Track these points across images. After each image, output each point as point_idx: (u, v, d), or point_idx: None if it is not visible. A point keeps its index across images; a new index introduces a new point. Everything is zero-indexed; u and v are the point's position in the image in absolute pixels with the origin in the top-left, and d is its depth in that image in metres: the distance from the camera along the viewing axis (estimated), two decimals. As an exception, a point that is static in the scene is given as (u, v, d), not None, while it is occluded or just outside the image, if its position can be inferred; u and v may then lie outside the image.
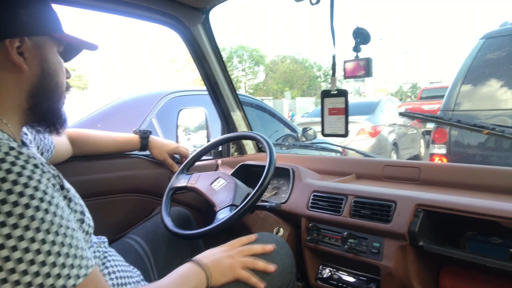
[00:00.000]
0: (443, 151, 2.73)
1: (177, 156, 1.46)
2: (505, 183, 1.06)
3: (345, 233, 1.06)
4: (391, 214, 0.98)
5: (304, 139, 2.59)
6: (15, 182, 0.51)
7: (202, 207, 1.52)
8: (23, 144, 0.80)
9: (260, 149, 1.82)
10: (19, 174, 0.52)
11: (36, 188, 0.53)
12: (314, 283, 1.17)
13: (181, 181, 1.25)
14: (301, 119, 9.79)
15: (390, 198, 1.01)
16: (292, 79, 31.90)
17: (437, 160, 2.75)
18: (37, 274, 0.50)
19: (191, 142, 1.68)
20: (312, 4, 1.07)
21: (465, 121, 1.21)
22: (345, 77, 1.05)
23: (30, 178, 0.53)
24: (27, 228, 0.50)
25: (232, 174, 1.40)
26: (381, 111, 6.10)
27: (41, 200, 0.53)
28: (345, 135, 1.07)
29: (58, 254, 0.52)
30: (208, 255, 0.86)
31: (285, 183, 1.39)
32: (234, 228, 1.01)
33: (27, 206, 0.51)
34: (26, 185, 0.51)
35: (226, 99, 1.67)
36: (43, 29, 0.69)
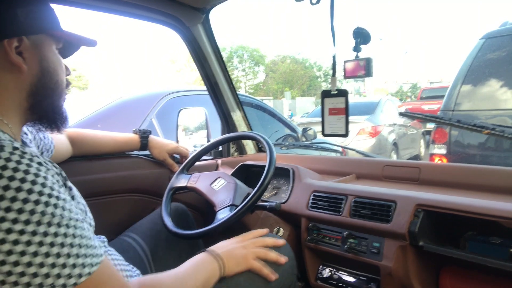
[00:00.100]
0: (443, 151, 2.73)
1: (177, 156, 1.46)
2: (505, 183, 1.06)
3: (345, 233, 1.06)
4: (391, 214, 0.98)
5: (304, 139, 2.59)
6: (23, 180, 0.52)
7: (202, 207, 1.52)
8: (23, 143, 0.80)
9: (260, 149, 1.82)
10: (26, 172, 0.53)
11: (43, 185, 0.54)
12: (314, 283, 1.17)
13: (181, 181, 1.25)
14: (301, 119, 9.79)
15: (390, 198, 1.01)
16: (292, 79, 31.91)
17: (437, 160, 2.75)
18: (53, 265, 0.52)
19: (191, 142, 1.68)
20: (312, 4, 1.07)
21: (465, 121, 1.21)
22: (345, 77, 1.05)
23: (36, 175, 0.53)
24: (39, 223, 0.51)
25: (232, 174, 1.40)
26: (381, 111, 6.10)
27: (50, 196, 0.54)
28: (345, 135, 1.07)
29: (71, 245, 0.54)
30: (222, 246, 0.89)
31: (285, 183, 1.39)
32: (234, 228, 1.01)
33: (37, 202, 0.52)
34: (33, 182, 0.53)
35: (226, 99, 1.67)
36: (41, 27, 0.69)
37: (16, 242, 0.49)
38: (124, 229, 1.17)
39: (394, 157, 5.86)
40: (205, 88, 1.69)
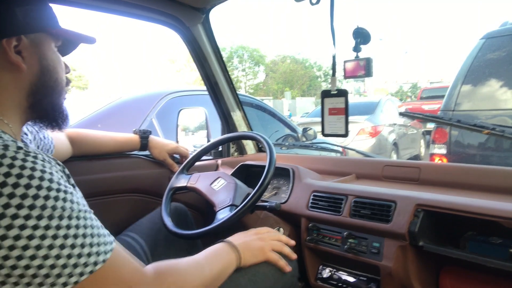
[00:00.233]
0: (443, 151, 2.73)
1: (177, 156, 1.46)
2: (505, 183, 1.06)
3: (345, 233, 1.06)
4: (391, 214, 0.98)
5: (304, 139, 2.59)
6: (31, 177, 0.53)
7: (202, 207, 1.52)
8: (24, 143, 0.80)
9: (260, 149, 1.82)
10: (33, 169, 0.53)
11: (51, 180, 0.55)
12: (314, 283, 1.17)
13: (181, 181, 1.25)
14: (301, 119, 9.79)
15: (390, 198, 1.01)
16: (292, 79, 31.91)
17: (437, 160, 2.75)
18: (69, 256, 0.54)
19: (191, 142, 1.68)
20: (312, 4, 1.07)
21: (465, 121, 1.21)
22: (345, 77, 1.05)
23: (43, 171, 0.54)
24: (51, 217, 0.53)
25: (232, 174, 1.40)
26: (381, 111, 6.10)
27: (58, 190, 0.55)
28: (345, 135, 1.07)
29: (84, 236, 0.56)
30: (239, 237, 0.91)
31: (285, 183, 1.39)
32: (234, 228, 1.01)
33: (46, 197, 0.53)
34: (41, 178, 0.54)
35: (226, 99, 1.67)
36: (40, 26, 0.69)
37: (31, 237, 0.51)
38: (124, 229, 1.17)
39: (394, 157, 5.86)
40: (205, 88, 1.69)
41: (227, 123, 1.73)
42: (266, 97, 27.03)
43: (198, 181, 1.22)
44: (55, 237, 0.53)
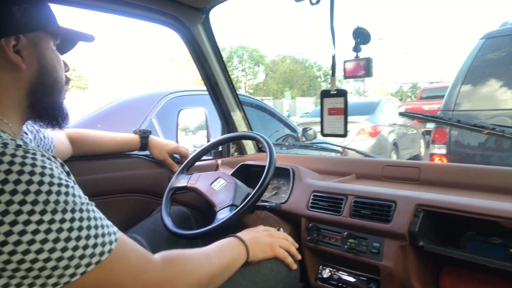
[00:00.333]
0: (443, 151, 2.73)
1: (177, 156, 1.46)
2: (505, 183, 1.06)
3: (345, 233, 1.06)
4: (391, 214, 0.98)
5: (304, 139, 2.59)
6: (32, 173, 0.53)
7: (202, 207, 1.52)
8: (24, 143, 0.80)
9: (260, 149, 1.82)
10: (33, 165, 0.54)
11: (51, 176, 0.55)
12: (314, 283, 1.17)
13: (181, 181, 1.25)
14: (301, 119, 9.78)
15: (390, 198, 1.01)
16: (292, 79, 31.90)
17: (437, 160, 2.75)
18: (75, 248, 0.54)
19: (191, 142, 1.68)
20: (312, 4, 1.07)
21: (465, 121, 1.21)
22: (345, 77, 1.05)
23: (43, 167, 0.55)
24: (54, 211, 0.53)
25: (232, 174, 1.40)
26: (381, 111, 6.10)
27: (59, 185, 0.56)
28: (344, 135, 1.07)
29: (88, 228, 0.57)
30: (249, 233, 0.92)
31: (285, 183, 1.39)
32: (234, 228, 1.01)
33: (49, 192, 0.54)
34: (42, 174, 0.54)
35: (226, 99, 1.67)
36: (38, 25, 0.69)
37: (36, 232, 0.51)
38: (124, 229, 1.17)
39: (394, 157, 5.86)
40: (205, 88, 1.69)
41: (227, 123, 1.73)
42: (266, 97, 27.02)
43: (198, 181, 1.22)
44: (60, 230, 0.53)
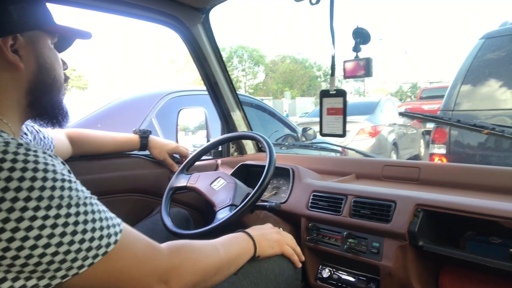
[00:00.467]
0: (443, 151, 2.73)
1: (177, 156, 1.46)
2: (505, 183, 1.06)
3: (345, 233, 1.06)
4: (391, 214, 0.98)
5: (304, 139, 2.59)
6: (35, 170, 0.53)
7: (202, 207, 1.52)
8: None
9: (260, 149, 1.82)
10: (36, 162, 0.54)
11: (54, 171, 0.56)
12: (313, 283, 1.17)
13: (181, 181, 1.25)
14: (300, 119, 9.78)
15: (390, 198, 1.01)
16: (292, 79, 31.90)
17: (437, 160, 2.75)
18: (81, 241, 0.55)
19: (191, 142, 1.68)
20: (312, 4, 1.07)
21: (465, 121, 1.21)
22: (345, 77, 1.05)
23: (46, 164, 0.55)
24: (59, 206, 0.54)
25: (232, 174, 1.40)
26: (381, 111, 6.10)
27: (63, 180, 0.56)
28: (342, 135, 1.07)
29: (93, 221, 0.58)
30: (256, 229, 0.92)
31: (285, 183, 1.39)
32: (233, 228, 1.01)
33: (53, 188, 0.54)
34: (45, 170, 0.54)
35: (226, 99, 1.67)
36: (35, 23, 0.68)
37: (42, 227, 0.52)
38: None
39: (394, 157, 5.86)
40: (205, 88, 1.69)
41: (227, 123, 1.73)
42: (266, 97, 27.02)
43: (198, 181, 1.22)
44: (66, 224, 0.54)
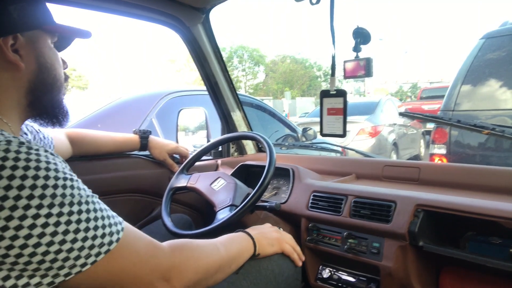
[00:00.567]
0: (443, 151, 2.73)
1: (177, 156, 1.46)
2: (505, 183, 1.06)
3: (345, 233, 1.06)
4: (391, 214, 0.98)
5: (304, 139, 2.59)
6: (37, 168, 0.54)
7: (202, 207, 1.52)
8: None
9: (260, 149, 1.82)
10: (38, 161, 0.54)
11: (56, 170, 0.56)
12: (314, 283, 1.17)
13: (181, 181, 1.25)
14: (301, 119, 9.78)
15: (390, 198, 1.01)
16: (292, 79, 31.89)
17: (437, 160, 2.75)
18: (84, 239, 0.56)
19: (191, 142, 1.68)
20: (312, 4, 1.07)
21: (465, 121, 1.21)
22: (345, 77, 1.05)
23: (48, 162, 0.56)
24: (62, 204, 0.55)
25: (232, 174, 1.40)
26: (381, 111, 6.10)
27: (65, 179, 0.57)
28: (343, 135, 1.07)
29: (95, 219, 0.58)
30: (255, 228, 0.93)
31: (285, 183, 1.39)
32: (233, 228, 1.01)
33: (55, 186, 0.54)
34: (47, 169, 0.55)
35: (226, 99, 1.67)
36: (35, 23, 0.68)
37: (45, 225, 0.52)
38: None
39: (394, 157, 5.85)
40: (205, 88, 1.69)
41: (227, 123, 1.73)
42: (266, 97, 27.02)
43: (198, 181, 1.22)
44: (68, 222, 0.54)
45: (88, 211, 0.58)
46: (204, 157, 1.50)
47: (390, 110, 6.32)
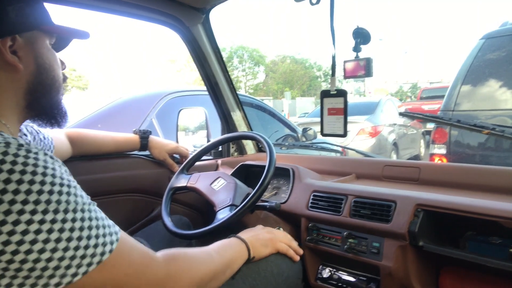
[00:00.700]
0: (443, 151, 2.73)
1: (177, 156, 1.46)
2: (505, 183, 1.06)
3: (345, 233, 1.06)
4: (391, 214, 0.98)
5: (304, 139, 2.59)
6: (34, 173, 0.53)
7: (202, 207, 1.52)
8: None
9: (260, 149, 1.82)
10: (35, 165, 0.54)
11: (53, 175, 0.55)
12: (314, 283, 1.17)
13: (181, 181, 1.25)
14: (300, 119, 9.78)
15: (390, 198, 1.01)
16: (292, 79, 31.90)
17: (437, 160, 2.75)
18: (76, 248, 0.55)
19: (191, 142, 1.68)
20: (312, 4, 1.07)
21: (465, 121, 1.21)
22: (345, 77, 1.05)
23: (45, 167, 0.55)
24: (56, 211, 0.54)
25: (232, 174, 1.40)
26: (381, 111, 6.10)
27: (61, 185, 0.56)
28: (343, 135, 1.07)
29: (89, 228, 0.57)
30: (247, 231, 0.94)
31: (285, 183, 1.39)
32: (233, 228, 1.01)
33: (51, 192, 0.54)
34: (44, 174, 0.54)
35: (226, 99, 1.67)
36: (33, 24, 0.68)
37: (38, 232, 0.51)
38: (124, 229, 1.17)
39: (394, 157, 5.86)
40: (205, 88, 1.69)
41: (227, 123, 1.73)
42: (266, 97, 27.02)
43: (198, 181, 1.22)
44: (61, 230, 0.53)
45: (83, 219, 0.57)
46: (204, 157, 1.50)
47: (390, 110, 6.32)
